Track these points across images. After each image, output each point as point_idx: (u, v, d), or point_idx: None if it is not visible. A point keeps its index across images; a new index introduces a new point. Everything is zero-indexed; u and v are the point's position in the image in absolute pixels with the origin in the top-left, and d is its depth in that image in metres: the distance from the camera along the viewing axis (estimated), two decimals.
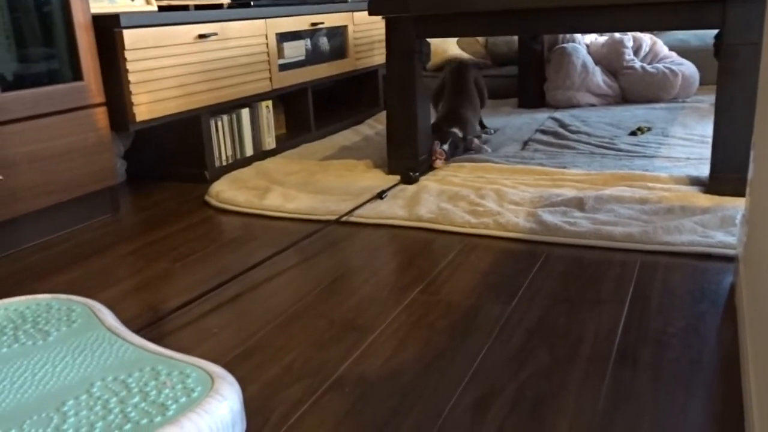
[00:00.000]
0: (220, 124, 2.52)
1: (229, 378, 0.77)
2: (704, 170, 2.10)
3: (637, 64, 3.35)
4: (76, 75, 1.94)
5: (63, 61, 1.91)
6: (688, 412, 0.99)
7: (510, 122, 3.03)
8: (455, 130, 2.53)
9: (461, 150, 2.51)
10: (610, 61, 3.39)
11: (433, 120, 2.73)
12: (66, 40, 1.91)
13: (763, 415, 0.79)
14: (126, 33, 2.08)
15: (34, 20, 1.83)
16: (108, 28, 2.08)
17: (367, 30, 3.41)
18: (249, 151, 2.66)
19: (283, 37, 2.79)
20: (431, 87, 2.79)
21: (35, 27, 1.83)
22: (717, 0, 1.82)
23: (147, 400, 0.69)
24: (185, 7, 2.54)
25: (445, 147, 2.40)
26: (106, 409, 0.68)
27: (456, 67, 2.78)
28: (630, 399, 1.03)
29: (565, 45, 3.38)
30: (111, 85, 2.12)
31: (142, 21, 2.14)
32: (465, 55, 3.83)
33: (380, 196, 2.05)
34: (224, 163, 2.54)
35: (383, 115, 3.40)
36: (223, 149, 2.54)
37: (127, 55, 2.10)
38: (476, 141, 2.56)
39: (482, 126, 2.88)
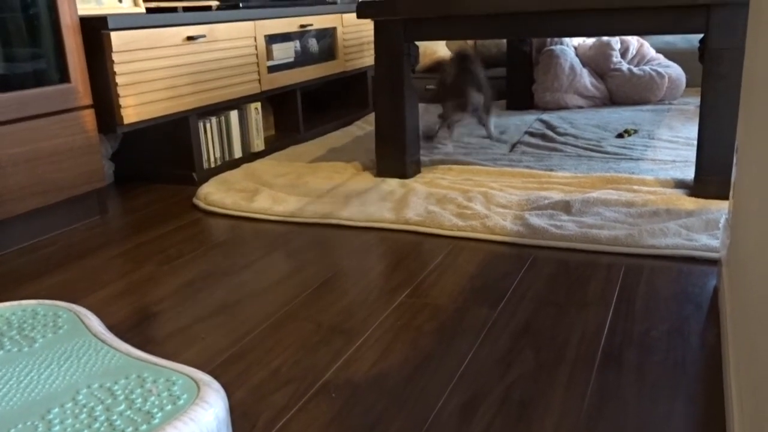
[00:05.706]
0: (208, 125, 2.52)
1: (215, 385, 0.77)
2: (690, 173, 2.12)
3: (625, 66, 3.37)
4: (64, 77, 1.93)
5: (50, 63, 1.90)
6: (672, 414, 1.00)
7: (498, 124, 3.04)
8: (476, 94, 2.44)
9: (479, 115, 2.46)
10: (597, 63, 3.41)
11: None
12: (53, 41, 1.90)
13: (744, 417, 0.80)
14: (114, 35, 2.08)
15: (20, 22, 1.82)
16: (95, 29, 2.07)
17: (357, 31, 3.41)
18: (237, 153, 2.65)
19: (272, 38, 2.79)
20: (433, 86, 2.72)
21: (22, 29, 1.82)
22: (701, 5, 1.84)
23: (133, 407, 0.70)
24: (173, 9, 2.53)
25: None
26: (91, 417, 0.68)
27: (462, 56, 2.63)
28: (615, 401, 1.04)
29: (553, 47, 3.39)
30: (98, 87, 2.11)
31: (129, 23, 2.13)
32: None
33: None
34: (213, 165, 2.54)
35: (372, 116, 3.41)
36: (211, 151, 2.54)
37: (115, 57, 2.09)
38: (485, 116, 2.53)
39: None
